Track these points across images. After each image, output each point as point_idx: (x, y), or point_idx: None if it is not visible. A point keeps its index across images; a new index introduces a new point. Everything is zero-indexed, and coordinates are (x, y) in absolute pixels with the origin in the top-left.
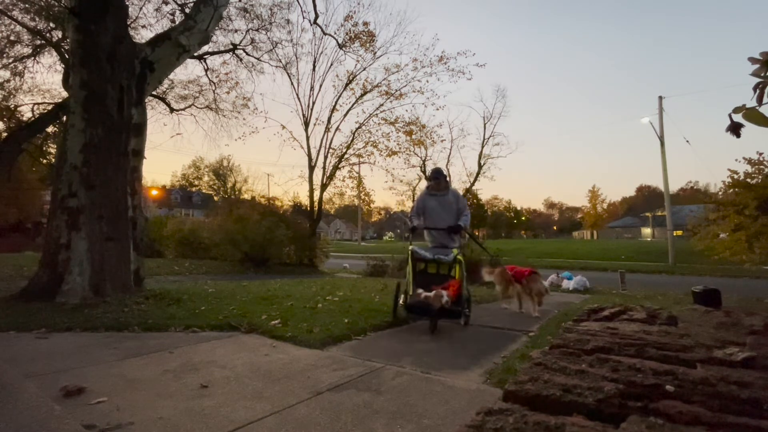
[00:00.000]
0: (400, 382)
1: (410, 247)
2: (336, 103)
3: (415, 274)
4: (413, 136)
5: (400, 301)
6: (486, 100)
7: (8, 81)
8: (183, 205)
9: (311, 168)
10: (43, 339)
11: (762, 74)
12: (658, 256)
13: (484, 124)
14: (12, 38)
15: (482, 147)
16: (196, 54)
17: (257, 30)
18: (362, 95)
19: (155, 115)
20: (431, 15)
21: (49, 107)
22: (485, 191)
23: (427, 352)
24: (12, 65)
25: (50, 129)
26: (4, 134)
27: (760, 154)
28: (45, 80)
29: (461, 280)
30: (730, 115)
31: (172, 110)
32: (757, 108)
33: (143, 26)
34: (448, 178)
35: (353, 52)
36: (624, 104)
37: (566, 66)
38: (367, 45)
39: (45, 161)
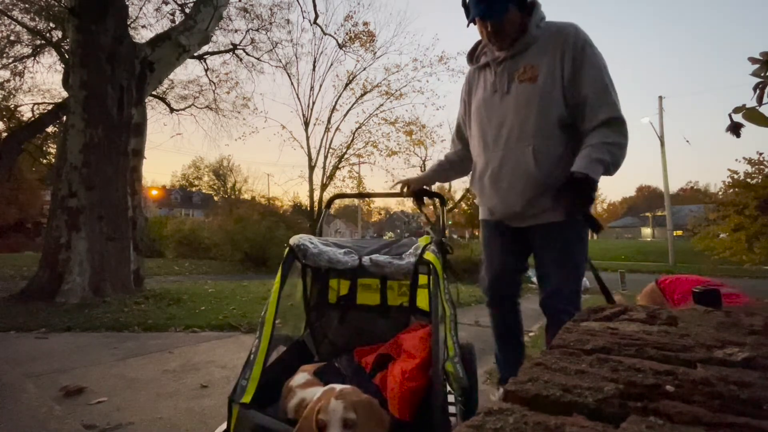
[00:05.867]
0: None
1: (294, 241)
2: (336, 103)
3: (315, 311)
4: (413, 136)
5: (221, 429)
6: None
7: (8, 81)
8: (183, 205)
9: (311, 168)
10: (43, 339)
11: (762, 74)
12: (658, 256)
13: None
14: (12, 38)
15: None
16: (196, 54)
17: (257, 30)
18: (362, 95)
19: (155, 115)
20: (431, 15)
21: (49, 107)
22: None
23: None
24: (12, 65)
25: (50, 129)
26: (4, 134)
27: (760, 154)
28: (45, 80)
29: (436, 334)
30: (730, 115)
31: (172, 110)
32: (757, 108)
33: (143, 26)
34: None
35: (353, 52)
36: (624, 104)
37: None
38: (367, 45)
39: (45, 161)
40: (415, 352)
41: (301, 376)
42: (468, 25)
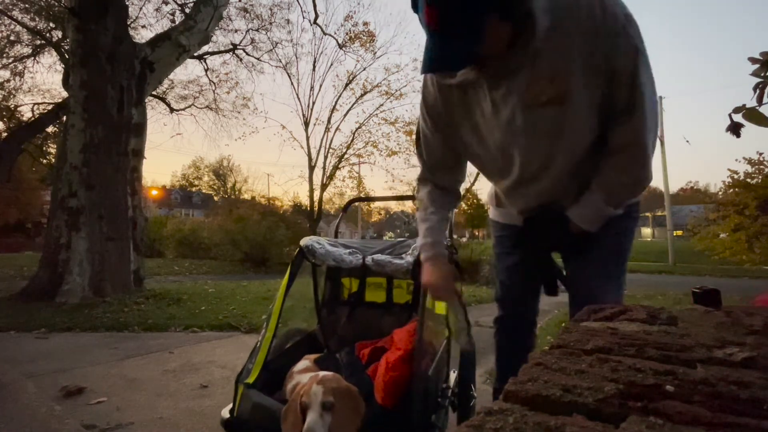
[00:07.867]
0: None
1: (304, 242)
2: (336, 103)
3: (326, 307)
4: (413, 136)
5: (224, 412)
6: None
7: (8, 81)
8: (183, 205)
9: (311, 168)
10: (43, 339)
11: (762, 74)
12: (658, 256)
13: None
14: (12, 38)
15: None
16: (196, 54)
17: (257, 30)
18: (362, 95)
19: (155, 115)
20: None
21: (49, 107)
22: (485, 191)
23: None
24: (12, 65)
25: (50, 129)
26: (4, 134)
27: (760, 154)
28: (45, 80)
29: (422, 331)
30: (730, 115)
31: (172, 110)
32: (757, 108)
33: (143, 26)
34: None
35: (353, 52)
36: None
37: None
38: (367, 45)
39: (45, 161)
40: (401, 345)
41: (302, 363)
42: (423, 73)
